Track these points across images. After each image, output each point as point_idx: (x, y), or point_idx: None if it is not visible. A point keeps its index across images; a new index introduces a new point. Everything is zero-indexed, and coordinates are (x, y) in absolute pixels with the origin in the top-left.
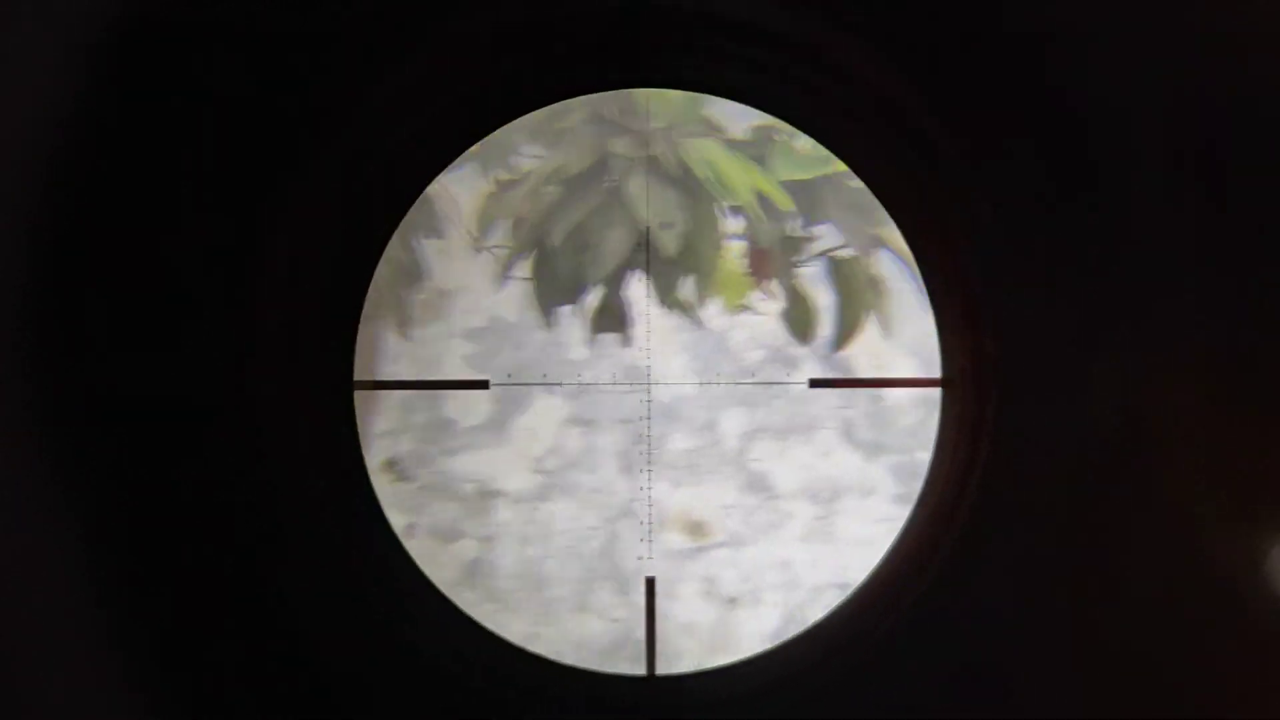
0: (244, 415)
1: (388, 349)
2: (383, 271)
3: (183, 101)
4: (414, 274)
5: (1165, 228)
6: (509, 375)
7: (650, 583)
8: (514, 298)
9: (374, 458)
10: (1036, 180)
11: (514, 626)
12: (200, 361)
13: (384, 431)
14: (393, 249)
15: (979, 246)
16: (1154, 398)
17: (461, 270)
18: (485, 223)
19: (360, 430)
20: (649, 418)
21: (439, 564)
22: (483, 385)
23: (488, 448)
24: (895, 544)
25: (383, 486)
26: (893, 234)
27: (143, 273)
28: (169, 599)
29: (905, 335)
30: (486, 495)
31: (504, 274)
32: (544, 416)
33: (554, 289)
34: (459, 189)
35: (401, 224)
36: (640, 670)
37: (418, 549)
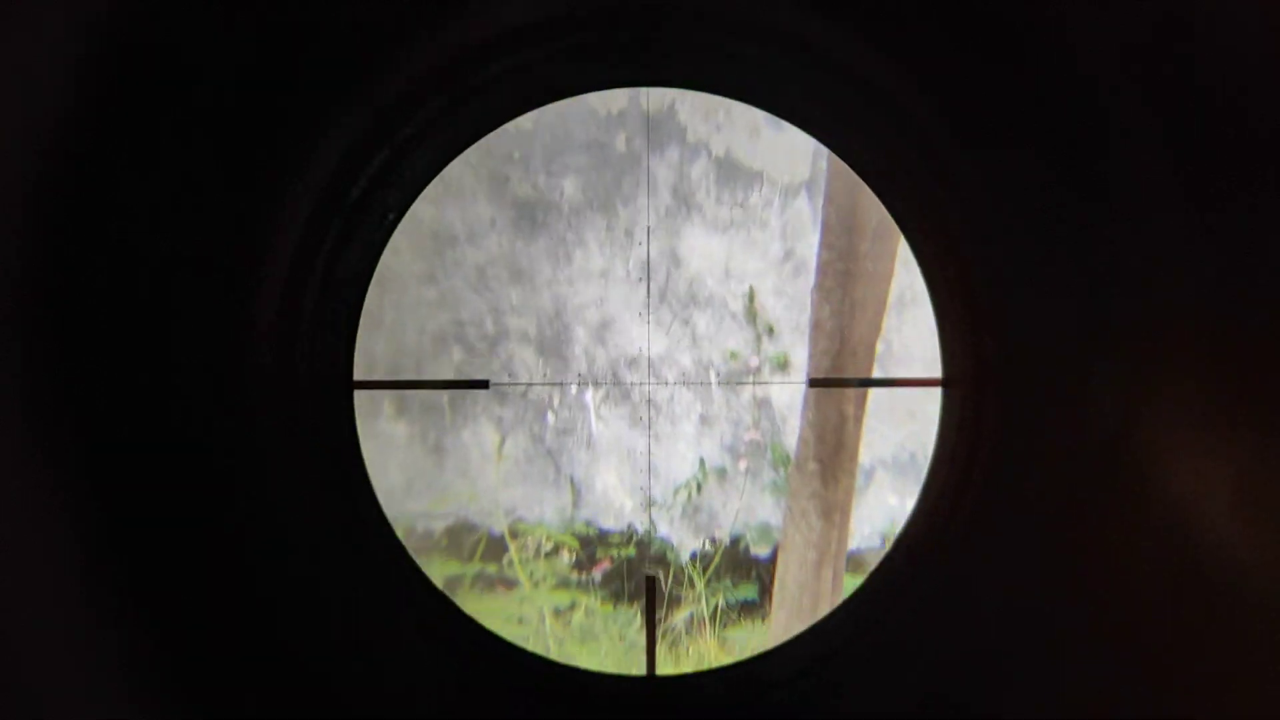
0: (243, 415)
1: None
2: None
3: (179, 103)
4: None
5: (1166, 230)
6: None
7: (650, 582)
8: None
9: None
10: (1038, 183)
11: None
12: (199, 361)
13: None
14: None
15: (980, 248)
16: (1153, 398)
17: None
18: None
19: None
20: None
21: None
22: (482, 385)
23: None
24: (896, 544)
25: None
26: None
27: (142, 273)
28: (167, 599)
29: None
30: None
31: None
32: None
33: None
34: None
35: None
36: (640, 670)
37: None
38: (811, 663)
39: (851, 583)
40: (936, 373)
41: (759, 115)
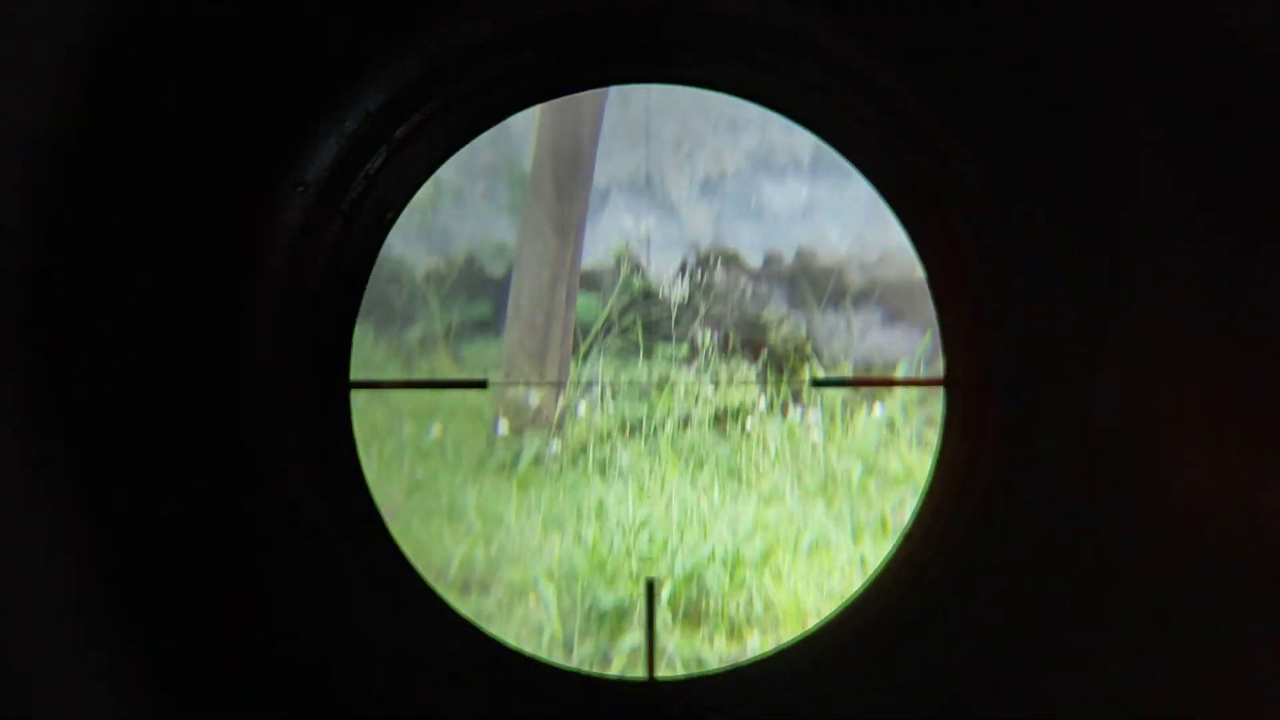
0: (241, 415)
1: None
2: None
3: (177, 101)
4: None
5: (1167, 230)
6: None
7: (650, 585)
8: None
9: None
10: (1041, 183)
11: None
12: (197, 361)
13: None
14: None
15: (982, 248)
16: (1155, 397)
17: None
18: None
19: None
20: None
21: None
22: (481, 385)
23: None
24: (897, 545)
25: None
26: None
27: (140, 272)
28: (165, 599)
29: None
30: None
31: None
32: None
33: None
34: None
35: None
36: (640, 673)
37: None
38: (813, 665)
39: (585, 300)
40: (939, 373)
41: None
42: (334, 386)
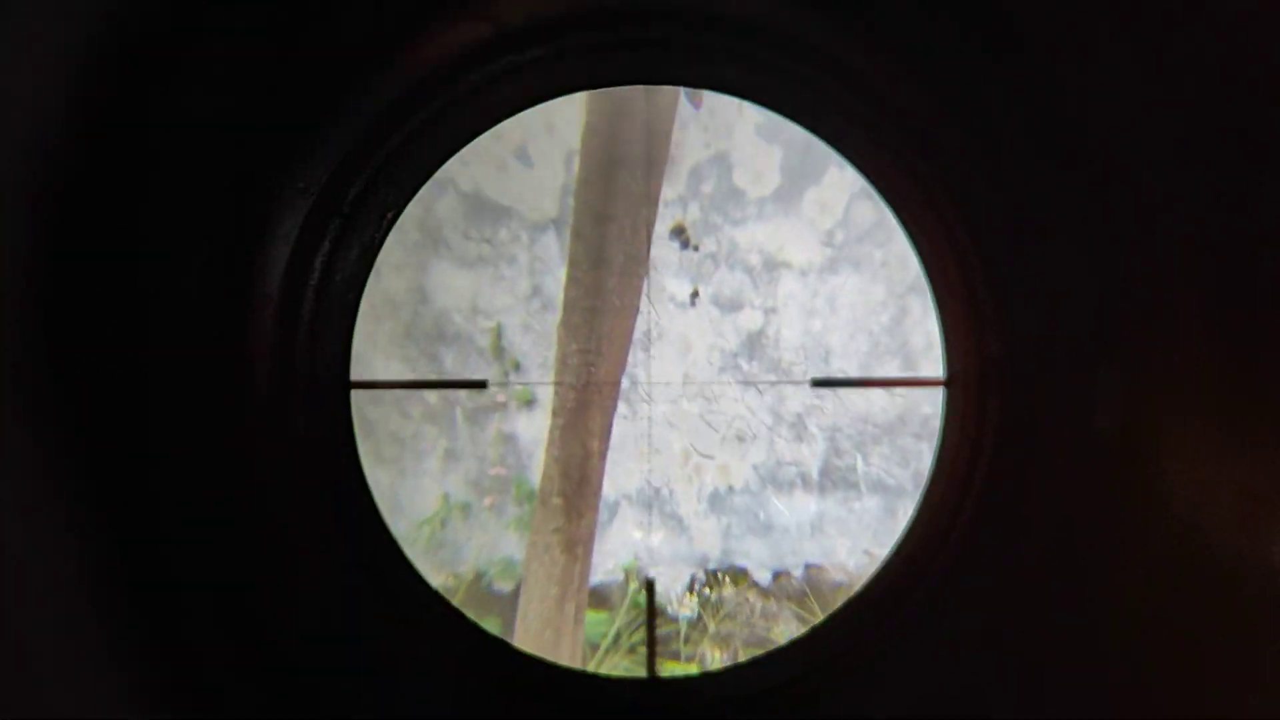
0: (239, 415)
1: (679, 115)
2: None
3: (173, 103)
4: None
5: (1168, 231)
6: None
7: (649, 584)
8: None
9: (663, 226)
10: (1041, 182)
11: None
12: (196, 361)
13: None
14: None
15: (983, 248)
16: (1157, 398)
17: None
18: None
19: (355, 429)
20: None
21: (721, 333)
22: (481, 385)
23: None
24: (898, 545)
25: (670, 255)
26: None
27: (137, 275)
28: (164, 599)
29: None
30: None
31: None
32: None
33: None
34: None
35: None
36: (641, 672)
37: (698, 316)
38: (814, 665)
39: (594, 617)
40: (939, 373)
41: (506, 151)
42: (334, 386)
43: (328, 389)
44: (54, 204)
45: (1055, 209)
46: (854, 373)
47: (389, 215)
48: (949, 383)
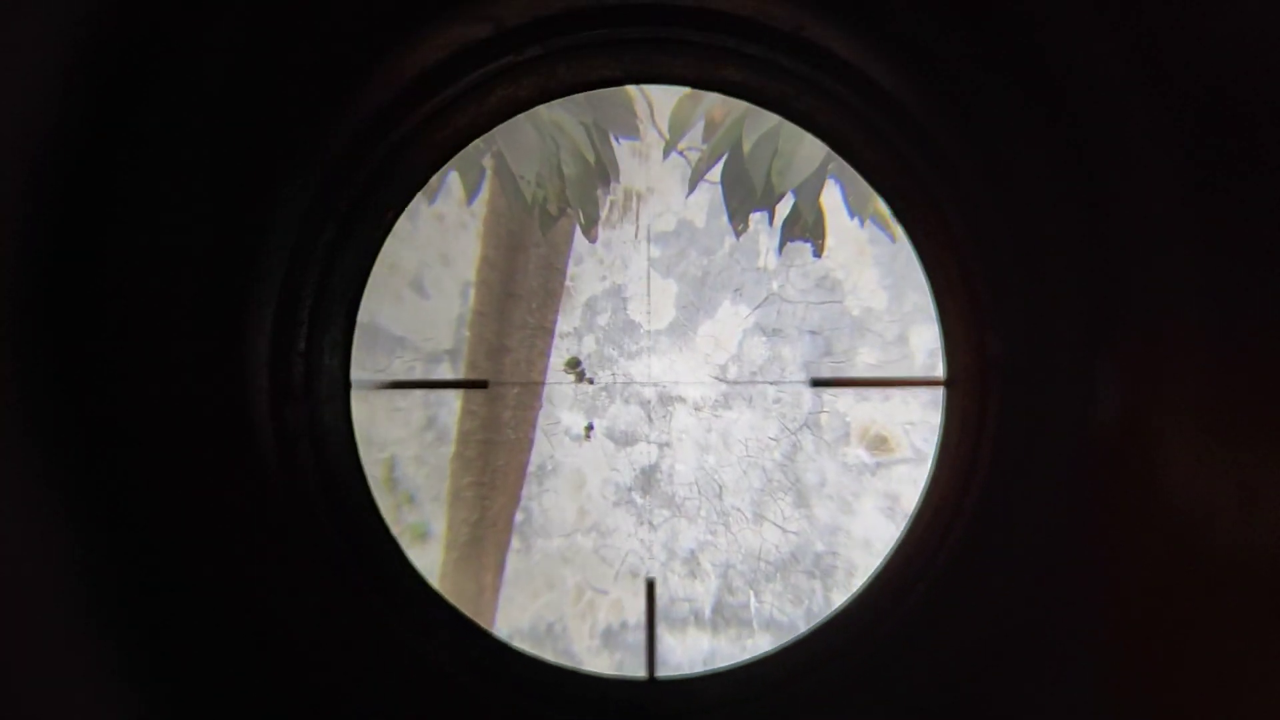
0: (238, 415)
1: (575, 248)
2: (574, 170)
3: (172, 103)
4: (605, 174)
5: (1168, 228)
6: (695, 281)
7: (650, 585)
8: (703, 202)
9: (557, 358)
10: (1041, 180)
11: (688, 534)
12: (194, 362)
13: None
14: (584, 148)
15: (983, 246)
16: (1158, 397)
17: (653, 173)
18: (679, 126)
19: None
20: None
21: (615, 468)
22: (481, 385)
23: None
24: (899, 545)
25: (564, 389)
26: None
27: (136, 275)
28: (164, 600)
29: None
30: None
31: (695, 178)
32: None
33: (744, 194)
34: (656, 89)
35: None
36: (640, 673)
37: (592, 450)
38: (814, 664)
39: None
40: (940, 372)
41: (402, 282)
42: (334, 386)
43: (328, 389)
44: (53, 205)
45: (1055, 209)
46: (746, 511)
47: (389, 214)
48: (949, 383)
